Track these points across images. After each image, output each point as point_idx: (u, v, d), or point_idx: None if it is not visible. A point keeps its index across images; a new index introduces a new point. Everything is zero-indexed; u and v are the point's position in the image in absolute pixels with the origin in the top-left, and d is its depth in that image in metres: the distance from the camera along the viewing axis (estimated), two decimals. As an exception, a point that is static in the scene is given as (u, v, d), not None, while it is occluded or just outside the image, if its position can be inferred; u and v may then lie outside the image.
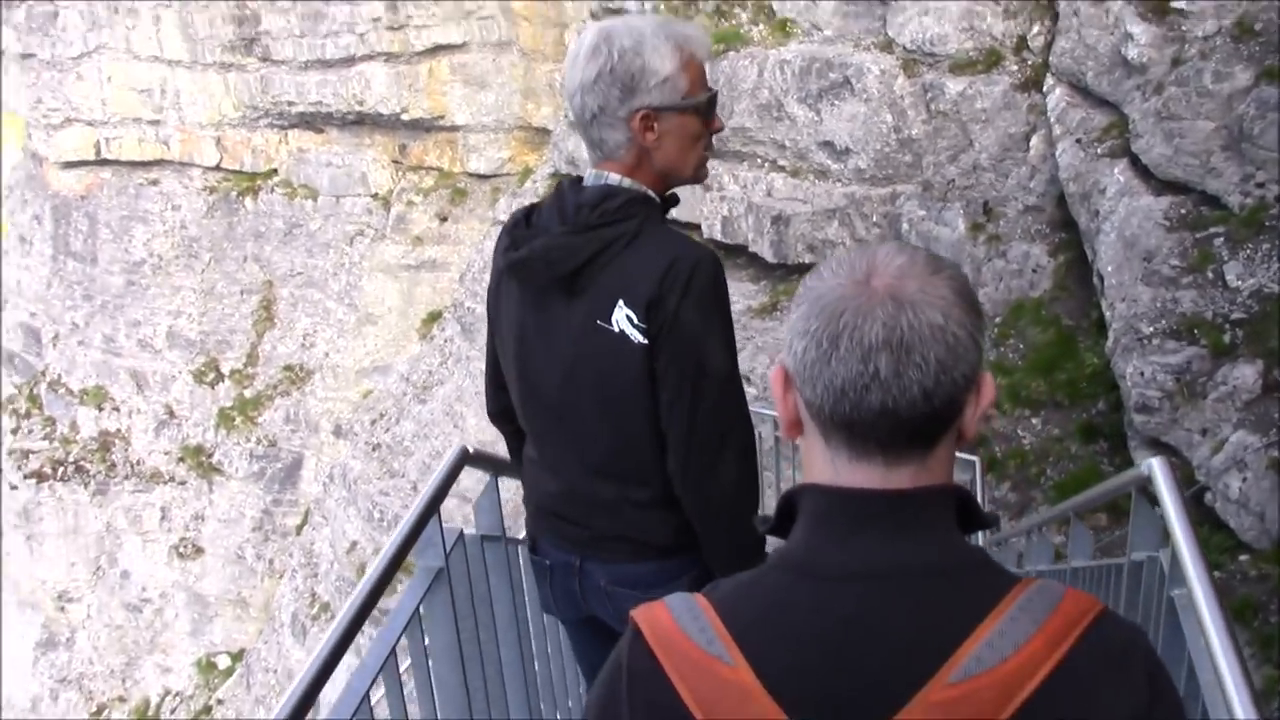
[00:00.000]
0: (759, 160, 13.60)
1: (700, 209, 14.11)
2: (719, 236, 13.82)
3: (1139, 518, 3.42)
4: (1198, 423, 7.92)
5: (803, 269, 13.14)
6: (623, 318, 2.27)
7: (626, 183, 2.33)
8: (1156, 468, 3.01)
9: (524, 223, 2.41)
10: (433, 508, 2.89)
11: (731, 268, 14.15)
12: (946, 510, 1.28)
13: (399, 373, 19.33)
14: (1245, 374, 7.75)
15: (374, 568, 2.50)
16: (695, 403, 2.30)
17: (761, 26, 13.83)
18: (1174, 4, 10.03)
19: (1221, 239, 8.83)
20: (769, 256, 13.18)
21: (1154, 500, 3.18)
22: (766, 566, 1.31)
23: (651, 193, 2.36)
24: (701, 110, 2.35)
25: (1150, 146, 9.63)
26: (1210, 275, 8.63)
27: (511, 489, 3.41)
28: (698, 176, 2.47)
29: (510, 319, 2.49)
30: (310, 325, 23.25)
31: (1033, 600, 1.19)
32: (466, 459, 3.29)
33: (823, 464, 1.30)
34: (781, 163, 13.35)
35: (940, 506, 1.27)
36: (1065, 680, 1.15)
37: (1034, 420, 9.59)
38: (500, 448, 3.16)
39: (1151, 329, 8.53)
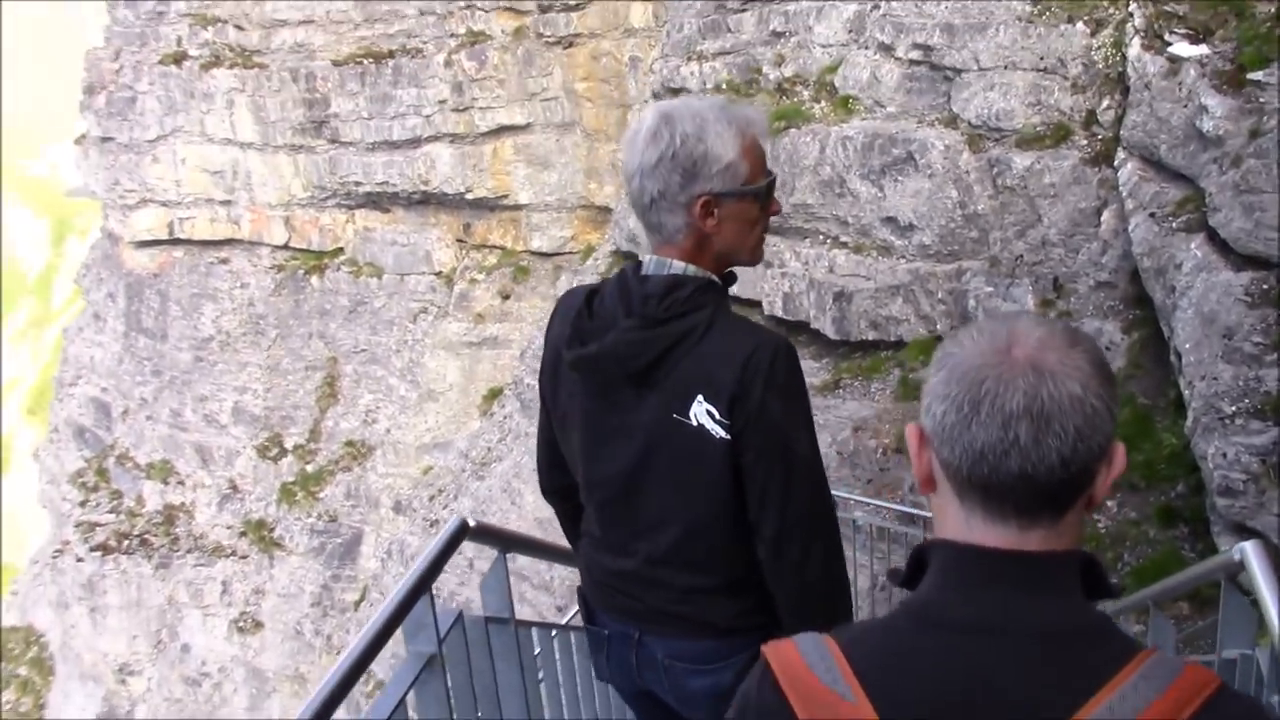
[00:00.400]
0: (821, 236, 13.45)
1: (761, 285, 13.96)
2: (780, 313, 13.64)
3: (1230, 610, 3.11)
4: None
5: (865, 346, 12.92)
6: (702, 412, 2.23)
7: (691, 270, 2.28)
8: (1250, 553, 2.74)
9: (585, 311, 2.34)
10: (423, 585, 2.63)
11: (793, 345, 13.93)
12: (1073, 574, 1.31)
13: (458, 449, 19.28)
14: (1328, 452, 7.38)
15: (346, 654, 2.24)
16: (787, 495, 2.28)
17: (824, 103, 13.77)
18: (1250, 75, 9.80)
19: (1305, 317, 8.50)
20: (831, 334, 12.96)
21: (1246, 590, 2.95)
22: (895, 613, 1.36)
23: (715, 277, 2.33)
24: (761, 195, 2.32)
25: (1229, 220, 9.33)
26: (1293, 354, 8.29)
27: (524, 564, 3.20)
28: (754, 258, 2.42)
29: (574, 406, 2.44)
30: (372, 401, 23.36)
31: (1154, 669, 1.22)
32: (466, 532, 3.08)
33: (956, 521, 1.34)
34: (844, 239, 13.18)
35: (1068, 570, 1.31)
36: None
37: (1109, 503, 9.21)
38: (559, 526, 2.98)
39: (1234, 408, 8.18)
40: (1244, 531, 7.67)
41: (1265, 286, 9.10)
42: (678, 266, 2.28)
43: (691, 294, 2.24)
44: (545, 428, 2.63)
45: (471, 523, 3.21)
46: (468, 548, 3.22)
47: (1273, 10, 10.36)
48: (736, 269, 2.43)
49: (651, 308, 2.23)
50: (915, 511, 9.20)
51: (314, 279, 24.07)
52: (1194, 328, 9.20)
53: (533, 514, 16.25)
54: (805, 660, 1.32)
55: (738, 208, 2.26)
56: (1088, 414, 1.25)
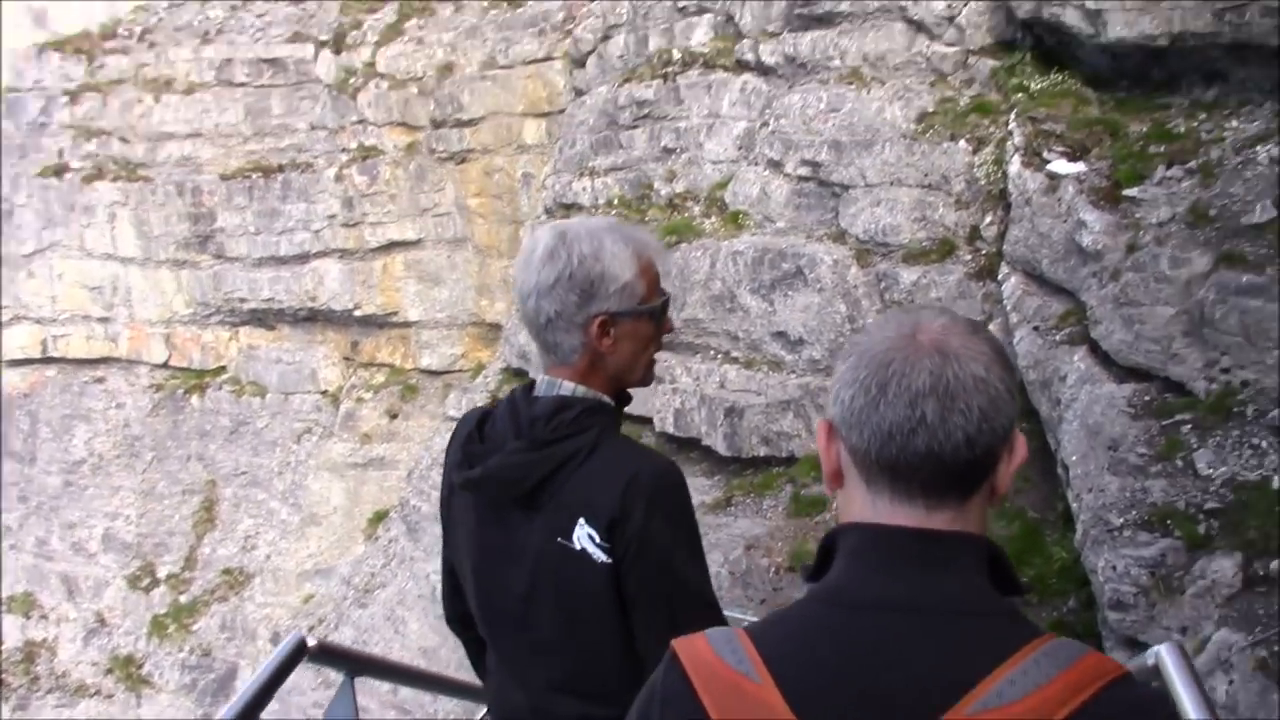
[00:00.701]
0: (712, 352, 13.28)
1: (653, 402, 13.70)
2: (672, 429, 13.37)
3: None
4: (1176, 620, 7.35)
5: (757, 462, 12.67)
6: (584, 536, 2.21)
7: (580, 391, 2.28)
8: (1166, 656, 2.49)
9: (476, 435, 2.34)
10: (248, 716, 2.22)
11: (684, 462, 13.64)
12: (980, 558, 1.34)
13: (341, 575, 18.46)
14: (1224, 567, 7.22)
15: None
16: (672, 623, 2.14)
17: (714, 219, 13.75)
18: (1125, 191, 9.94)
19: (1189, 426, 8.45)
20: (723, 450, 12.70)
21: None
22: (804, 599, 1.37)
23: (606, 398, 2.32)
24: (656, 315, 2.34)
25: (1110, 333, 9.35)
26: (1180, 464, 8.20)
27: (407, 697, 2.77)
28: (646, 379, 2.42)
29: (466, 531, 2.44)
30: (252, 526, 22.41)
31: (1057, 650, 1.25)
32: (304, 653, 2.66)
33: (862, 506, 1.37)
34: (735, 354, 13.03)
35: (974, 553, 1.34)
36: None
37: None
38: (446, 655, 2.60)
39: (1121, 520, 8.03)
40: (1135, 646, 7.46)
41: (1147, 398, 9.08)
42: (567, 388, 2.27)
43: (578, 416, 2.23)
44: (447, 556, 2.63)
45: (311, 641, 2.80)
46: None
47: (1144, 130, 10.61)
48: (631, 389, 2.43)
49: (538, 429, 2.22)
50: None
51: (194, 399, 23.22)
52: (1080, 440, 9.12)
53: (417, 643, 15.51)
54: (714, 649, 1.34)
55: (633, 327, 2.27)
56: (991, 395, 1.30)
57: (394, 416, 21.43)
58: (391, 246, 21.23)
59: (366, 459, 21.32)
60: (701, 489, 12.91)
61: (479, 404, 18.42)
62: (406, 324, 21.63)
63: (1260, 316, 8.29)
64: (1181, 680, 2.32)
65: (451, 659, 15.32)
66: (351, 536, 20.96)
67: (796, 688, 1.26)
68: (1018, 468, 1.37)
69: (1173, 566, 7.58)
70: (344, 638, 16.86)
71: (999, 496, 1.40)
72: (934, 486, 1.33)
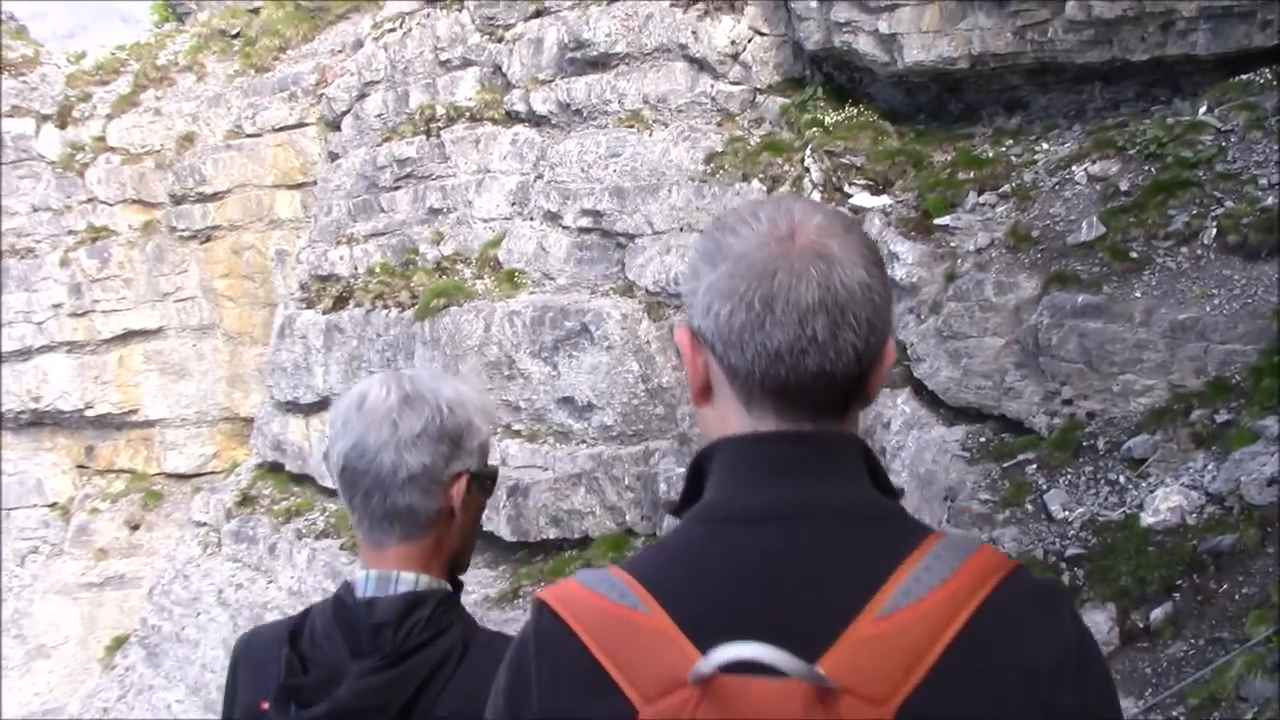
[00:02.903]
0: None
1: (426, 486, 12.07)
2: (448, 516, 11.75)
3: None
4: None
5: (547, 546, 11.20)
6: None
7: (423, 582, 1.84)
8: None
9: (295, 660, 1.80)
10: None
11: (465, 553, 12.02)
12: (857, 458, 1.25)
13: (70, 714, 15.84)
14: (1097, 621, 6.25)
15: None
16: None
17: (488, 279, 12.38)
18: (937, 220, 9.11)
19: (1034, 466, 7.53)
20: (507, 535, 11.21)
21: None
22: (681, 523, 1.26)
23: (447, 585, 1.90)
24: (494, 479, 2.01)
25: (935, 371, 8.41)
26: (1030, 508, 7.27)
27: None
28: (467, 564, 1.99)
29: None
30: (-33, 666, 19.30)
31: (951, 546, 1.18)
32: None
33: (740, 428, 1.25)
34: (516, 426, 11.60)
35: (851, 452, 1.25)
36: (992, 615, 1.14)
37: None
38: None
39: (973, 577, 6.96)
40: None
41: (983, 439, 8.16)
42: (406, 580, 1.84)
43: (434, 613, 1.82)
44: None
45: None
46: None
47: (949, 158, 9.89)
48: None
49: (386, 640, 1.79)
50: None
51: (-103, 519, 20.06)
52: (911, 492, 8.11)
53: (154, 789, 13.19)
54: (588, 587, 1.21)
55: (480, 496, 1.94)
56: (876, 302, 1.20)
57: (135, 528, 18.97)
58: (128, 336, 19.03)
59: (103, 577, 18.74)
60: (485, 582, 11.32)
61: (228, 504, 16.33)
62: (149, 423, 19.35)
63: (1101, 339, 7.48)
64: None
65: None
66: (86, 668, 18.24)
67: (691, 614, 1.16)
68: (888, 370, 1.26)
69: (1035, 626, 6.53)
70: (69, 792, 14.32)
71: (869, 401, 1.26)
72: (821, 405, 1.22)
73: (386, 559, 1.88)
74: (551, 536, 11.02)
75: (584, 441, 11.10)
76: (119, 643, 17.33)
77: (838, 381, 1.20)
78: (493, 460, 2.02)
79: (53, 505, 19.75)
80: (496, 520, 11.25)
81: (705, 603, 1.17)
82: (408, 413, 1.86)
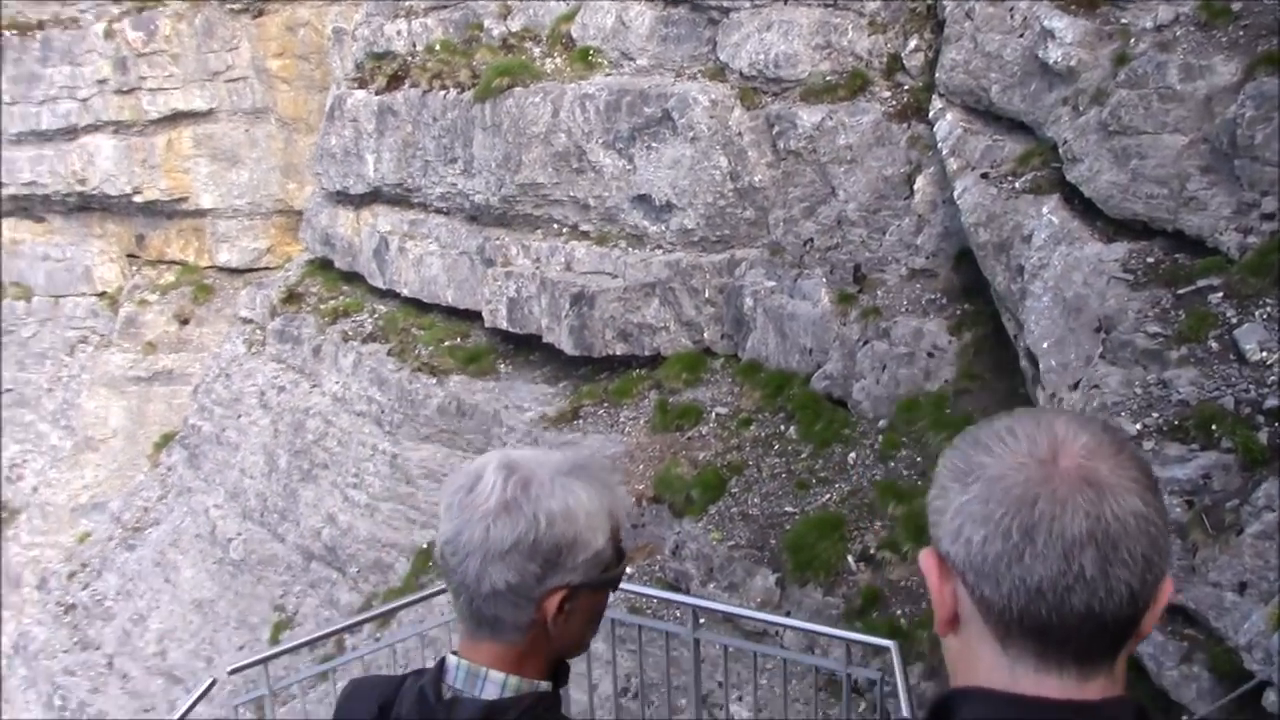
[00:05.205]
0: (555, 225, 10.49)
1: (481, 290, 10.85)
2: (504, 324, 10.59)
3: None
4: (1230, 573, 5.12)
5: (613, 363, 10.00)
6: None
7: (511, 684, 1.77)
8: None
9: None
10: None
11: (523, 366, 10.88)
12: None
13: (111, 511, 15.27)
14: (1306, 494, 4.86)
15: None
16: None
17: (558, 58, 10.86)
18: (1105, -10, 7.40)
19: (1220, 295, 6.04)
20: (569, 348, 10.01)
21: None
22: None
23: (543, 685, 1.81)
24: (618, 582, 1.88)
25: (1094, 174, 6.87)
26: (1214, 346, 5.82)
27: None
28: (585, 648, 1.90)
29: None
30: (18, 454, 19.03)
31: None
32: None
33: (994, 669, 1.16)
34: (584, 227, 10.28)
35: None
36: None
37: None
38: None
39: (1138, 427, 5.59)
40: (1172, 617, 5.13)
41: (1150, 259, 6.65)
42: (495, 681, 1.78)
43: None
44: None
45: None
46: None
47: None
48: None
49: None
50: (673, 596, 7.05)
51: (-56, 303, 19.46)
52: (1054, 320, 6.70)
53: (190, 594, 12.55)
54: None
55: (593, 599, 1.82)
56: (1152, 534, 1.11)
57: (184, 322, 18.14)
58: (177, 118, 17.83)
59: (151, 372, 18.03)
60: (542, 398, 10.19)
61: (274, 301, 15.36)
62: (200, 213, 18.32)
63: (1328, 134, 5.89)
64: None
65: (231, 613, 12.46)
66: (135, 464, 17.71)
67: None
68: (1162, 609, 1.14)
69: (1220, 494, 5.19)
70: (107, 586, 13.76)
71: (1141, 639, 1.16)
72: (1090, 651, 1.12)
73: (478, 653, 1.81)
74: (618, 352, 9.79)
75: (660, 246, 9.75)
76: (166, 439, 16.68)
77: (1107, 624, 1.10)
78: (624, 550, 1.89)
79: (101, 294, 18.99)
80: (558, 331, 10.04)
81: None
82: (503, 520, 1.74)
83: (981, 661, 1.16)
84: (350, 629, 8.43)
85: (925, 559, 1.19)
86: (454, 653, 1.83)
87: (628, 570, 7.94)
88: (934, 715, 1.18)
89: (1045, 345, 6.69)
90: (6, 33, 18.33)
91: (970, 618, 1.15)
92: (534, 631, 1.77)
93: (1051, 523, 1.08)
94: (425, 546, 10.45)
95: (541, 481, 1.75)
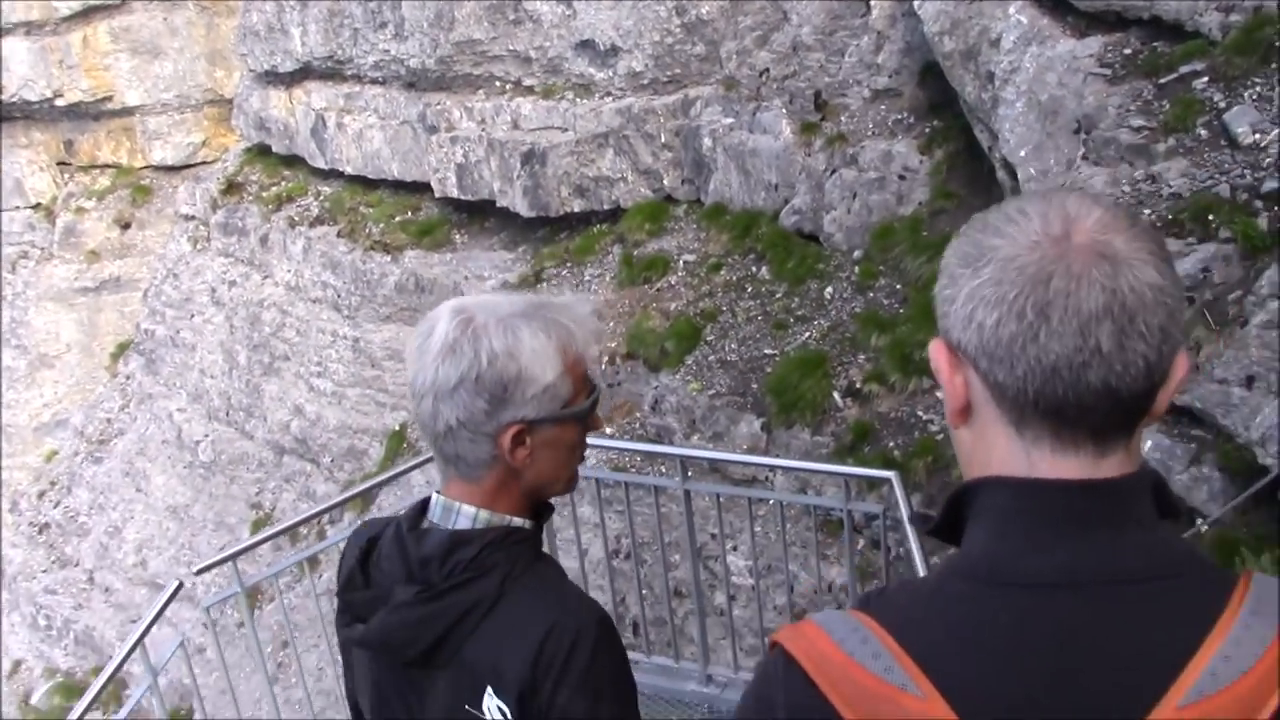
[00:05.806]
0: (497, 83, 10.00)
1: (426, 160, 10.38)
2: (454, 192, 10.16)
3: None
4: (1236, 369, 4.91)
5: (572, 221, 9.62)
6: (494, 708, 1.79)
7: (482, 518, 1.83)
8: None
9: (359, 574, 1.89)
10: None
11: (479, 234, 10.48)
12: (1150, 500, 1.13)
13: (74, 426, 14.91)
14: (1313, 270, 4.64)
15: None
16: None
17: (482, -102, 10.19)
18: None
19: (1205, 79, 5.71)
20: (524, 210, 9.62)
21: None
22: (942, 576, 1.16)
23: (517, 521, 1.86)
24: (583, 417, 1.88)
25: (1062, -36, 6.45)
26: (1204, 134, 5.51)
27: None
28: (569, 486, 1.95)
29: (364, 678, 1.97)
30: (-29, 378, 18.44)
31: (1261, 608, 1.07)
32: None
33: (1010, 455, 1.14)
34: (528, 82, 9.80)
35: (1148, 497, 1.13)
36: None
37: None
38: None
39: (1130, 228, 5.31)
40: (1167, 414, 4.92)
41: (1127, 51, 6.30)
42: (466, 514, 1.83)
43: (477, 555, 1.80)
44: (349, 686, 2.11)
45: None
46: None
47: None
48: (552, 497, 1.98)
49: (430, 573, 1.81)
50: (657, 448, 7.00)
51: None
52: (1030, 125, 6.40)
53: (163, 501, 12.30)
54: (842, 648, 1.11)
55: (556, 434, 1.83)
56: (1169, 307, 1.07)
57: (125, 226, 17.57)
58: (89, 13, 17.03)
59: (98, 281, 17.53)
60: (502, 265, 9.84)
61: (214, 194, 14.78)
62: (127, 111, 17.62)
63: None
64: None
65: (207, 516, 12.22)
66: (93, 376, 17.34)
67: (971, 699, 1.03)
68: (1179, 385, 1.09)
69: (1221, 285, 4.95)
70: (79, 503, 13.49)
71: (1156, 417, 1.12)
72: (1105, 428, 1.09)
73: (452, 490, 1.87)
74: (576, 209, 9.42)
75: (609, 94, 9.30)
76: (122, 348, 16.28)
77: (1124, 399, 1.07)
78: (594, 385, 1.89)
79: (36, 206, 18.35)
80: (511, 194, 9.63)
81: (989, 687, 1.04)
82: (447, 361, 1.78)
83: (996, 450, 1.14)
84: (325, 514, 8.20)
85: (935, 350, 1.16)
86: (438, 492, 1.87)
87: (607, 430, 7.73)
88: (950, 509, 1.16)
89: (1023, 153, 6.39)
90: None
91: (983, 405, 1.13)
92: (498, 467, 1.81)
93: (1067, 299, 1.05)
94: (397, 429, 10.19)
95: (484, 323, 1.77)
